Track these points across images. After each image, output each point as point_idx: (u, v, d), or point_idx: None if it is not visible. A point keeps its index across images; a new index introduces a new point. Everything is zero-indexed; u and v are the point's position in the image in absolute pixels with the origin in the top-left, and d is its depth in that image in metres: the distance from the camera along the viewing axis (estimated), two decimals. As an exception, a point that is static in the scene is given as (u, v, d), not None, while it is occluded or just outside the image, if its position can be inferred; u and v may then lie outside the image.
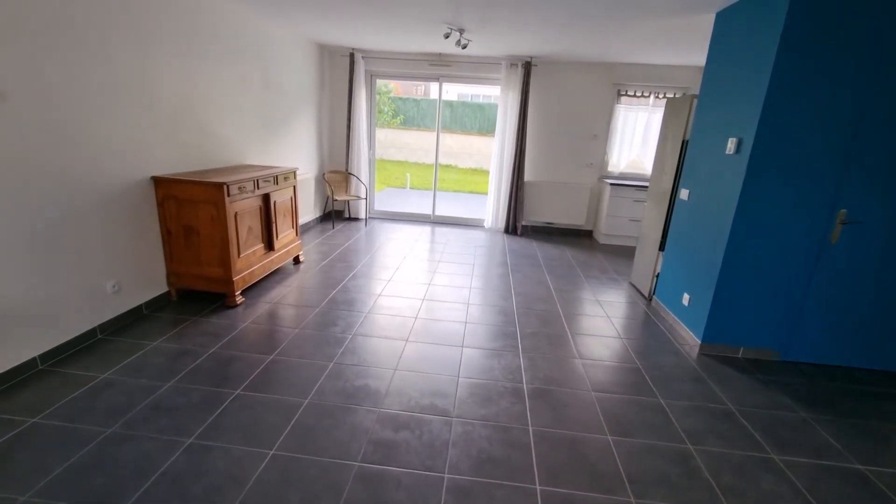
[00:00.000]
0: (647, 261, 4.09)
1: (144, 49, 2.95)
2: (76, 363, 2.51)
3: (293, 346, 2.82)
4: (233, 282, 3.30)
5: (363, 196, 6.32)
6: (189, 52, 3.36)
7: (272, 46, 4.60)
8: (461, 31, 4.31)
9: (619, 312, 3.70)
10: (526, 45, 5.00)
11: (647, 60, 5.50)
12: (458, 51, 5.64)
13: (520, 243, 5.78)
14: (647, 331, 3.39)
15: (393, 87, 14.09)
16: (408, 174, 11.50)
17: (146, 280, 3.17)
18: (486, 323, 3.33)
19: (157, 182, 3.15)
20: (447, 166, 14.26)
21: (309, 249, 4.90)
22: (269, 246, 3.83)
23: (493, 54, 5.73)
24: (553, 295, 3.98)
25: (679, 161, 3.68)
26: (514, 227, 6.28)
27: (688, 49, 4.56)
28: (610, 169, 6.30)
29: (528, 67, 5.77)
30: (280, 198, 3.93)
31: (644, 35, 4.06)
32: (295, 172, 4.20)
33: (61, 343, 2.56)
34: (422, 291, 3.87)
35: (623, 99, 6.01)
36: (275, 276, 4.01)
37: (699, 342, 3.07)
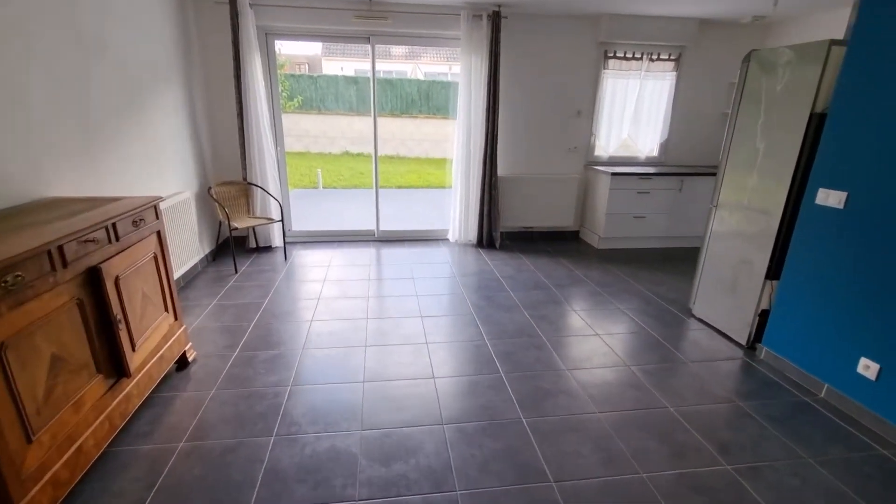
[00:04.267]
0: (735, 291, 2.85)
1: None
2: None
3: None
4: (19, 511, 1.35)
5: (276, 217, 4.31)
6: None
7: (78, -31, 2.43)
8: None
9: (737, 386, 2.40)
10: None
11: (640, 10, 4.22)
12: (402, -6, 3.87)
13: (508, 262, 4.29)
14: (808, 421, 2.12)
15: (282, 62, 11.55)
16: (319, 171, 9.35)
17: None
18: (595, 478, 1.80)
19: None
20: (359, 155, 12.25)
21: (201, 329, 2.90)
22: (119, 370, 1.87)
23: (449, 2, 4.04)
24: (629, 367, 2.56)
25: (803, 146, 2.42)
26: (489, 237, 4.76)
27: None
28: (598, 153, 5.04)
29: (496, 21, 4.18)
30: (130, 266, 1.95)
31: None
32: (156, 206, 2.21)
33: None
34: (435, 408, 2.20)
35: (611, 63, 4.72)
36: (139, 416, 2.05)
37: (935, 451, 1.86)
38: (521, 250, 4.68)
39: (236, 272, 3.85)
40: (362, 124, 12.04)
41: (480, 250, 4.65)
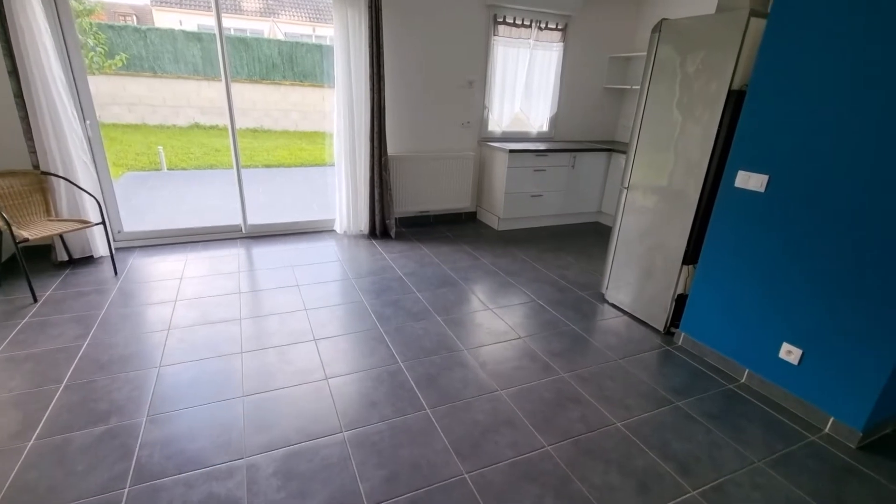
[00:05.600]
0: (651, 276, 2.76)
1: None
2: None
3: None
4: None
5: (94, 218, 3.20)
6: None
7: None
8: None
9: (668, 381, 2.29)
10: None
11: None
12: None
13: (408, 255, 3.80)
14: (743, 413, 2.07)
15: (91, 7, 9.08)
16: (160, 148, 7.65)
17: None
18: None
19: None
20: (212, 128, 10.46)
21: (-29, 402, 1.91)
22: None
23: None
24: (564, 376, 2.30)
25: (720, 126, 2.31)
26: (383, 226, 4.20)
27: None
28: (491, 128, 4.73)
29: (375, -31, 3.50)
30: None
31: None
32: None
33: None
34: (351, 482, 1.66)
35: (501, 29, 4.37)
36: None
37: (859, 432, 1.90)
38: (419, 238, 4.21)
39: (35, 301, 2.74)
40: (213, 91, 10.22)
41: (374, 242, 4.07)
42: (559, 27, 4.59)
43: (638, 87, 4.76)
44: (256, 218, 4.13)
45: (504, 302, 3.04)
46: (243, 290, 3.03)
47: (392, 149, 4.19)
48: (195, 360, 2.26)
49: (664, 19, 2.54)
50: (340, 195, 4.09)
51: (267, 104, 11.07)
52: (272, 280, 3.19)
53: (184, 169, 7.59)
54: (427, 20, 4.02)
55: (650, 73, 2.64)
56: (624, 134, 5.22)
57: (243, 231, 4.02)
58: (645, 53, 4.57)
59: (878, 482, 1.72)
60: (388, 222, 4.18)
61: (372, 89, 3.77)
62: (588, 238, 4.48)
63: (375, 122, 3.87)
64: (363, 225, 4.19)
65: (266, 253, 3.68)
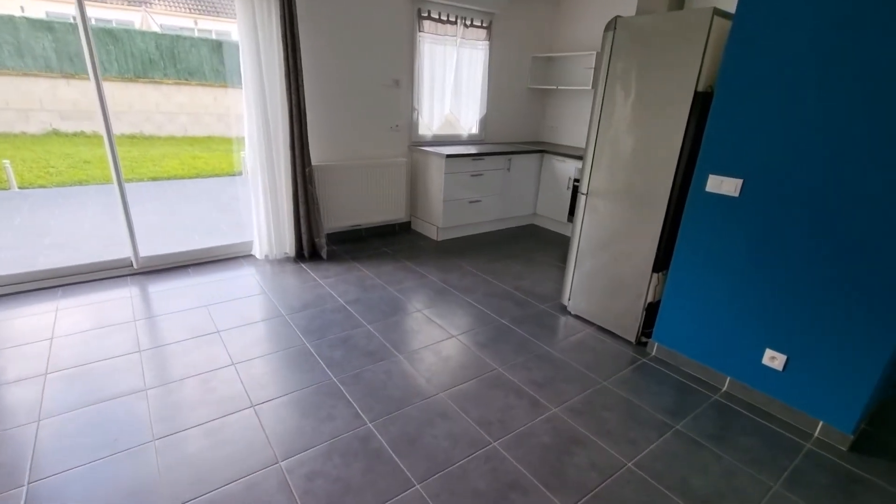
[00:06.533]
0: (618, 285, 2.64)
1: None
2: None
3: None
4: None
5: None
6: None
7: None
8: None
9: (659, 401, 2.17)
10: None
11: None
12: None
13: (346, 278, 3.34)
14: (740, 428, 1.99)
15: None
16: (6, 163, 6.16)
17: None
18: None
19: None
20: (77, 136, 8.83)
21: None
22: None
23: None
24: (556, 411, 2.06)
25: (687, 129, 2.22)
26: (312, 246, 3.68)
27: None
28: (422, 132, 4.39)
29: (285, -51, 2.98)
30: None
31: None
32: None
33: None
34: None
35: (427, 25, 4.05)
36: None
37: (849, 435, 1.89)
38: (354, 257, 3.76)
39: None
40: (75, 91, 8.60)
41: (304, 266, 3.54)
42: (484, 24, 4.40)
43: (563, 87, 4.75)
44: (151, 247, 3.39)
45: (465, 326, 2.75)
46: (144, 346, 2.38)
47: (315, 157, 3.68)
48: (84, 463, 1.65)
49: (618, 17, 2.41)
50: (258, 213, 3.49)
51: (146, 106, 9.61)
52: (183, 328, 2.56)
53: (42, 187, 6.20)
54: (347, 11, 3.57)
55: (606, 74, 2.50)
56: (550, 135, 5.20)
57: (135, 265, 3.25)
58: (567, 54, 4.63)
59: (884, 488, 1.71)
60: (317, 241, 3.67)
61: (289, 89, 3.24)
62: (529, 242, 4.36)
63: (295, 127, 3.34)
64: (288, 246, 3.63)
65: (169, 292, 3.00)
